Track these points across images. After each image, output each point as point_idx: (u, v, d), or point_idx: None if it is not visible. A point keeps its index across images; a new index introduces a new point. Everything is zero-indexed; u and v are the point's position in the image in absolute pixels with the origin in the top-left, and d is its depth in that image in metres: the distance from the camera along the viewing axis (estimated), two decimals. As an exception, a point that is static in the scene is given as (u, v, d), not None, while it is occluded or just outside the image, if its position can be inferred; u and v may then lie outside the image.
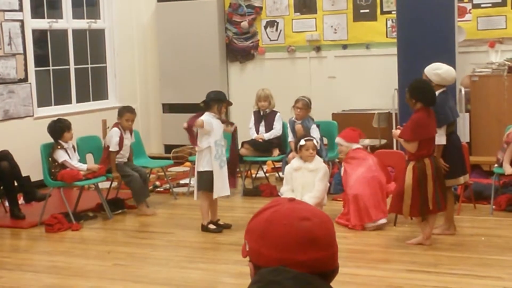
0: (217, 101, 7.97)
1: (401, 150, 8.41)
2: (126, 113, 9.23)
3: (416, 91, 7.01)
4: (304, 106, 9.41)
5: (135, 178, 8.99)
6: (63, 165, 8.69)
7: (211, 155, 7.90)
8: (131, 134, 9.34)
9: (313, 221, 1.85)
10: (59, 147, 8.72)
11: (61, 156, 8.71)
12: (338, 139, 8.46)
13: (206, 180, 7.95)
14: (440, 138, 7.17)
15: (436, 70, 7.33)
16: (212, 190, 7.92)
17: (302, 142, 8.11)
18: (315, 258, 1.82)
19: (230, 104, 8.42)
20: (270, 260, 1.83)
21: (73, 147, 8.97)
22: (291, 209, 1.87)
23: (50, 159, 8.73)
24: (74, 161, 8.79)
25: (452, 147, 7.29)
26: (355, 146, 8.29)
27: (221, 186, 7.96)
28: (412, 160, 7.00)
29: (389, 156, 8.67)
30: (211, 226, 8.05)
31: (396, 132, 7.23)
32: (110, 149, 9.02)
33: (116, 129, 9.14)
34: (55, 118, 9.14)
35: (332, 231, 1.88)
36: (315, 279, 1.80)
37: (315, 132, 9.21)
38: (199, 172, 8.03)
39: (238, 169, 8.97)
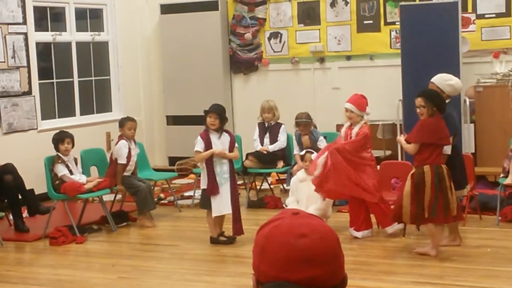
0: (205, 114, 7.95)
1: (407, 160, 8.39)
2: (127, 122, 9.25)
3: (436, 99, 7.02)
4: (305, 126, 9.37)
5: (142, 188, 8.98)
6: (62, 179, 8.68)
7: None
8: (135, 144, 9.34)
9: (311, 237, 1.79)
10: (59, 161, 8.71)
11: (60, 170, 8.69)
12: (349, 105, 7.88)
13: (205, 199, 7.95)
14: (446, 148, 7.16)
15: (448, 81, 7.35)
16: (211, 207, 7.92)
17: (303, 152, 8.14)
18: (312, 277, 1.77)
19: (208, 112, 7.92)
20: (268, 277, 1.80)
21: (75, 160, 8.95)
22: (290, 225, 1.82)
23: (52, 173, 8.73)
24: (75, 175, 8.76)
25: (457, 157, 7.28)
26: (365, 118, 7.96)
27: (221, 204, 7.88)
28: (415, 167, 6.99)
29: (395, 167, 8.64)
30: (222, 238, 8.02)
31: (400, 138, 7.24)
32: (119, 162, 9.01)
33: (124, 141, 9.13)
34: (58, 130, 9.17)
35: (334, 247, 1.82)
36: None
37: (322, 143, 9.18)
38: (202, 190, 8.04)
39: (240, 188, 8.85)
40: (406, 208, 7.00)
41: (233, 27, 12.34)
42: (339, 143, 7.82)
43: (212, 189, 7.82)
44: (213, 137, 7.90)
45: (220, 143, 7.90)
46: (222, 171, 7.89)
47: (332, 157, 7.69)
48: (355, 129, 7.83)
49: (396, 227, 7.88)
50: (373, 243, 7.82)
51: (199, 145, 7.87)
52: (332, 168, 7.65)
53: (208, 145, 7.85)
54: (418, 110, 7.10)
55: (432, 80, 7.58)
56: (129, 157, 9.09)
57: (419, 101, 7.09)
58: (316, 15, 11.82)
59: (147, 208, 9.09)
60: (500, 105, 10.09)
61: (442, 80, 7.41)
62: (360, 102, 7.91)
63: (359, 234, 7.91)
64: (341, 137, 7.98)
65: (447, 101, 7.27)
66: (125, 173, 9.11)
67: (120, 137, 9.22)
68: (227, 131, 8.07)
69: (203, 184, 7.95)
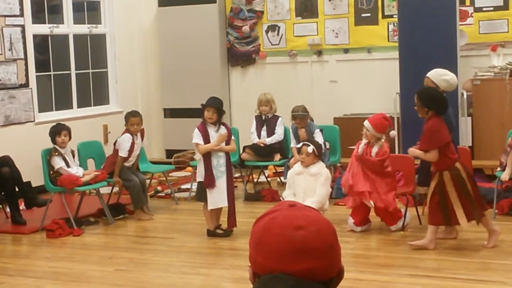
0: (202, 108, 7.95)
1: (404, 153, 8.38)
2: (130, 117, 9.23)
3: (429, 100, 6.95)
4: (302, 119, 9.34)
5: (134, 184, 8.97)
6: (59, 172, 8.68)
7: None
8: (142, 138, 9.34)
9: (308, 229, 1.80)
10: (56, 153, 8.70)
11: (57, 163, 8.69)
12: (367, 124, 7.89)
13: (201, 191, 7.96)
14: None
15: (444, 76, 7.33)
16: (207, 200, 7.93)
17: (299, 146, 8.15)
18: (308, 268, 1.78)
19: (206, 106, 7.95)
20: (265, 269, 1.81)
21: (72, 152, 8.94)
22: (287, 217, 1.82)
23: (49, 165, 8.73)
24: (72, 168, 8.76)
25: None
26: (382, 140, 7.91)
27: (217, 197, 7.91)
28: (445, 170, 6.92)
29: (396, 160, 8.61)
30: (219, 231, 8.03)
31: (413, 149, 7.16)
32: (120, 154, 9.01)
33: (128, 135, 9.13)
34: (55, 123, 9.17)
35: (331, 239, 1.83)
36: (316, 286, 1.78)
37: (318, 136, 9.18)
38: (198, 182, 8.05)
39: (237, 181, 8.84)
40: (458, 211, 6.89)
41: (231, 19, 12.32)
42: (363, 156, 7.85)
43: (209, 182, 7.83)
44: (210, 129, 7.91)
45: (217, 136, 7.91)
46: (219, 164, 7.90)
47: (353, 165, 7.82)
48: (375, 149, 7.83)
49: (399, 224, 7.88)
50: (370, 235, 7.83)
51: (197, 138, 7.87)
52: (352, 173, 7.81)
53: (205, 137, 7.86)
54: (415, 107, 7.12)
55: (427, 74, 7.58)
56: (131, 150, 9.10)
57: (416, 99, 7.08)
58: (314, 8, 11.80)
59: (141, 203, 9.07)
60: (497, 98, 10.09)
61: (438, 75, 7.39)
62: (380, 123, 7.86)
63: (357, 228, 7.92)
64: (357, 152, 7.97)
65: (443, 96, 7.25)
66: (125, 163, 9.11)
67: (126, 131, 9.22)
68: (223, 124, 8.08)
69: (199, 177, 7.97)
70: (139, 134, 9.28)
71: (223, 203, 7.93)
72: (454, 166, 6.91)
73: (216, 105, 7.95)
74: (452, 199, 6.93)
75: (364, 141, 7.97)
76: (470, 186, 6.93)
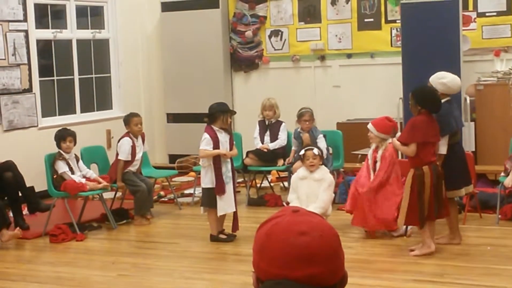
0: (221, 113, 7.94)
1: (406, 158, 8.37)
2: (132, 118, 9.24)
3: (422, 98, 6.99)
4: (310, 117, 9.37)
5: (142, 190, 8.96)
6: (62, 177, 8.68)
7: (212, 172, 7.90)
8: (143, 141, 9.34)
9: (312, 235, 1.79)
10: (60, 158, 8.71)
11: (60, 167, 8.69)
12: (369, 126, 7.94)
13: (210, 198, 7.95)
14: (442, 148, 7.14)
15: (441, 79, 7.31)
16: (216, 206, 7.91)
17: (302, 152, 8.13)
18: (311, 274, 1.77)
19: (234, 113, 8.38)
20: (268, 275, 1.80)
21: (76, 157, 8.93)
22: (290, 223, 1.82)
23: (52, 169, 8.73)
24: (75, 174, 8.75)
25: (455, 157, 7.23)
26: (388, 140, 7.86)
27: (227, 203, 7.92)
28: (413, 168, 6.97)
29: (400, 165, 8.60)
30: (222, 236, 8.03)
31: (394, 140, 7.21)
32: (119, 157, 9.02)
33: (127, 138, 9.13)
34: (61, 127, 9.18)
35: (334, 245, 1.83)
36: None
37: (321, 141, 9.18)
38: (203, 189, 8.03)
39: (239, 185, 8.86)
40: (403, 209, 7.01)
41: (234, 25, 12.33)
42: (367, 186, 7.82)
43: (221, 188, 7.84)
44: (220, 136, 7.91)
45: (225, 142, 7.94)
46: (227, 169, 7.92)
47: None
48: (380, 152, 7.84)
49: (401, 230, 7.85)
50: (373, 241, 7.82)
51: (208, 144, 7.85)
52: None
53: (216, 144, 7.87)
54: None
55: (429, 78, 7.59)
56: (133, 154, 9.09)
57: (410, 98, 7.13)
58: (317, 13, 11.81)
59: (144, 210, 9.06)
60: (500, 103, 10.08)
61: (436, 78, 7.38)
62: (381, 123, 7.90)
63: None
64: (368, 159, 7.98)
65: (445, 99, 7.22)
66: (130, 168, 9.11)
67: (126, 134, 9.22)
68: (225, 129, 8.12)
69: (208, 183, 7.92)
70: (139, 137, 9.28)
71: (232, 208, 7.95)
72: (420, 167, 6.91)
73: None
74: (404, 196, 7.00)
75: (372, 146, 7.99)
76: (429, 193, 6.89)
